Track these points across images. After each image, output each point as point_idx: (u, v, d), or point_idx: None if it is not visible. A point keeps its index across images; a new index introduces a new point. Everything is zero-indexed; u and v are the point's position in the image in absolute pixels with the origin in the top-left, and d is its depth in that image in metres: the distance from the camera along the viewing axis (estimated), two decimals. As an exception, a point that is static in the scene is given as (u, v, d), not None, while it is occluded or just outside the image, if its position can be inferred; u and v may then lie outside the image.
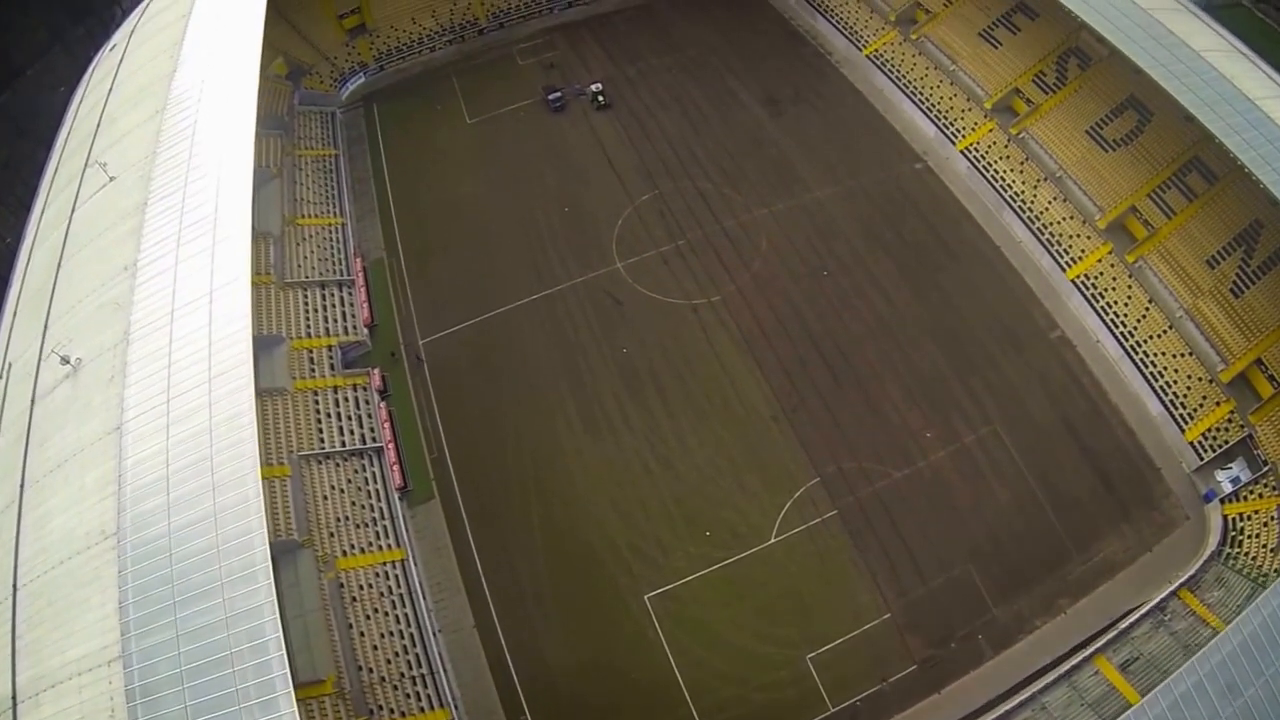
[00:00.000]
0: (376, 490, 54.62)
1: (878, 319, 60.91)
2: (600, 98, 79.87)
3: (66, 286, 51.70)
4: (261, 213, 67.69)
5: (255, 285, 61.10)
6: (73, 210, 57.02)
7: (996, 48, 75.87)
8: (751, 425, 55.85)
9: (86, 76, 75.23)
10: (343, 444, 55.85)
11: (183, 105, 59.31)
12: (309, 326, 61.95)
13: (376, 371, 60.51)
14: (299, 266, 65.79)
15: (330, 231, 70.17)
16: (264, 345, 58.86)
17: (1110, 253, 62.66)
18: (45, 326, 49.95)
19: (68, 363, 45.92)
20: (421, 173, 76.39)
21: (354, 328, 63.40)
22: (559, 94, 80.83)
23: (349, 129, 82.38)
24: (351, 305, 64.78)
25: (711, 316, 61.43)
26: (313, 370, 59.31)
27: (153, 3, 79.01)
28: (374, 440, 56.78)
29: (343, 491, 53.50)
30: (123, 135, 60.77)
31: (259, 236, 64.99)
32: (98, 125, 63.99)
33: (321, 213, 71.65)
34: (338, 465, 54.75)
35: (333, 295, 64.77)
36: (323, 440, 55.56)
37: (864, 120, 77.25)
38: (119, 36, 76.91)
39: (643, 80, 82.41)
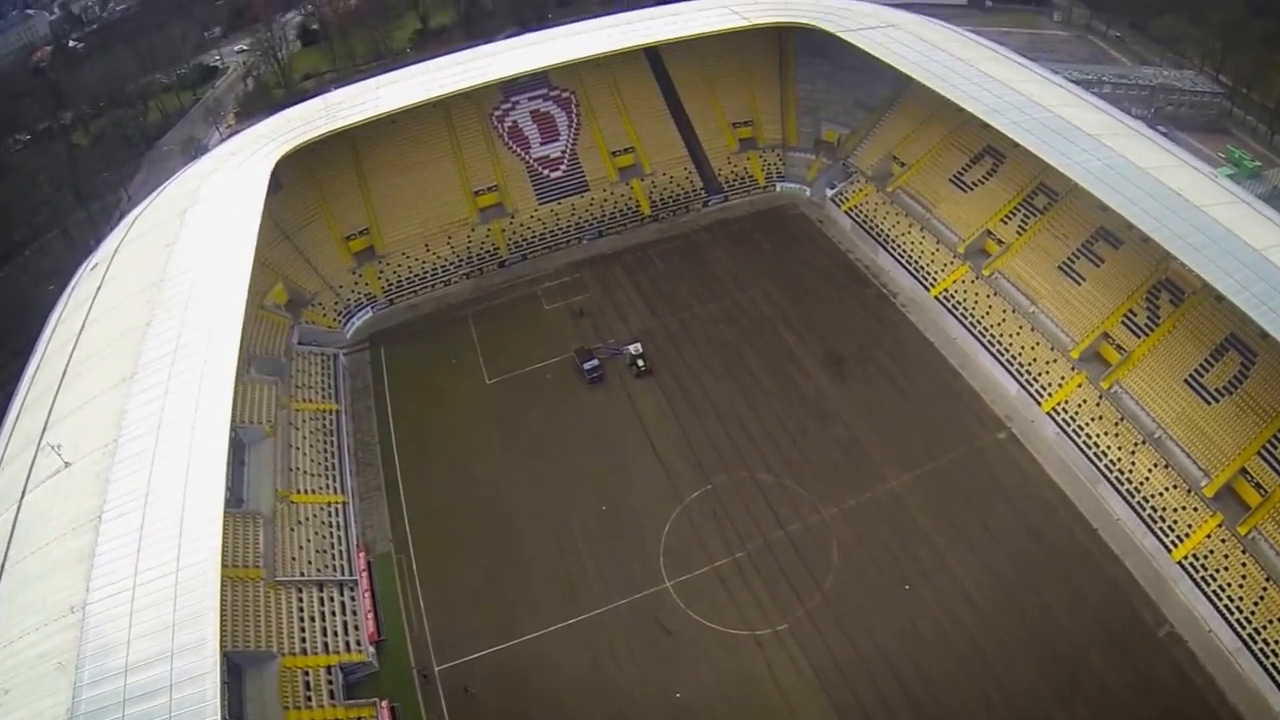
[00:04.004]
0: None
1: (968, 640, 58.81)
2: (640, 361, 78.91)
3: (6, 611, 49.87)
4: (252, 486, 68.43)
5: (243, 582, 60.64)
6: (23, 494, 56.34)
7: (1079, 283, 76.66)
8: (830, 788, 53.31)
9: (65, 296, 76.94)
10: (347, 802, 53.42)
11: (152, 377, 59.88)
12: (304, 640, 59.82)
13: (385, 705, 57.62)
14: (293, 560, 64.25)
15: (330, 513, 69.03)
16: (251, 662, 57.54)
17: (1220, 525, 61.29)
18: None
19: (-2, 729, 44.04)
20: (434, 444, 75.84)
21: (358, 643, 61.08)
22: (596, 363, 79.19)
23: (353, 377, 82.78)
24: (355, 614, 62.72)
25: (778, 650, 59.18)
26: (309, 699, 56.74)
27: (140, 219, 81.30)
28: (385, 798, 54.19)
29: None
30: (86, 402, 61.16)
31: (248, 516, 64.57)
32: (64, 373, 64.66)
33: (320, 488, 70.80)
34: (341, 831, 52.23)
35: (333, 599, 62.90)
36: (322, 796, 53.19)
37: (939, 379, 77.36)
38: (102, 254, 78.84)
39: (686, 335, 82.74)
